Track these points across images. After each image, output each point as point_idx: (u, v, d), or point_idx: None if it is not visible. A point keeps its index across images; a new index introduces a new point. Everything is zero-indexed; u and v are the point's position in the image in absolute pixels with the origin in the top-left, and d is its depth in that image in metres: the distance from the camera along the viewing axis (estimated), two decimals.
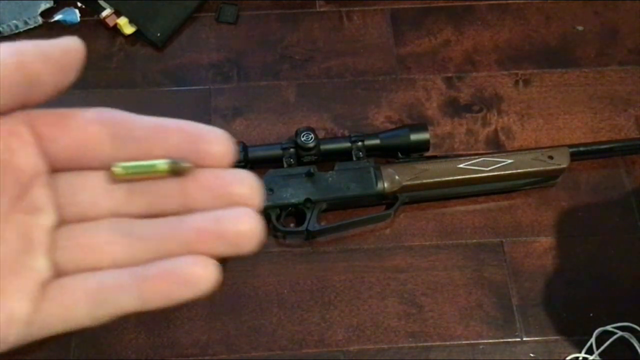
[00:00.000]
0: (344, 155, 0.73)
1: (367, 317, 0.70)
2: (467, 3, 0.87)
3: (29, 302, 0.23)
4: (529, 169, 0.73)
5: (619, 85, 0.82)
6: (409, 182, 0.71)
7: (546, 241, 0.74)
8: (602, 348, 0.68)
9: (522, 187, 0.75)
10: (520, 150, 0.75)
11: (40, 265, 0.23)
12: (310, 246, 0.73)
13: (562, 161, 0.73)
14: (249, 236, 0.23)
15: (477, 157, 0.73)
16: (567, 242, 0.74)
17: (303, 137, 0.72)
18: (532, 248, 0.73)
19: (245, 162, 0.71)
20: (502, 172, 0.72)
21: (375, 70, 0.82)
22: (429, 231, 0.74)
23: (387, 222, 0.74)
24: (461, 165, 0.72)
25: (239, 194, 0.24)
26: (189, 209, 0.24)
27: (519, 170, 0.72)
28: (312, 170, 0.71)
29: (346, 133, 0.77)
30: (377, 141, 0.73)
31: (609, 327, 0.69)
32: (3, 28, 0.80)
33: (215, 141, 0.24)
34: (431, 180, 0.72)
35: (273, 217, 0.71)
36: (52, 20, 0.82)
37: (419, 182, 0.72)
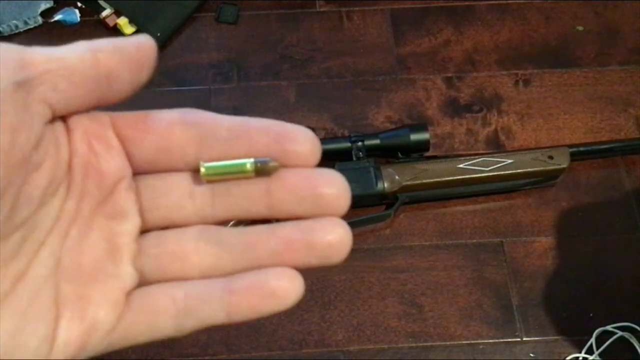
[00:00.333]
0: (344, 155, 0.73)
1: (367, 317, 0.70)
2: (467, 3, 0.87)
3: (112, 310, 0.23)
4: (529, 169, 0.73)
5: (619, 85, 0.82)
6: (409, 182, 0.71)
7: (546, 241, 0.74)
8: (602, 348, 0.68)
9: (522, 187, 0.75)
10: (520, 150, 0.75)
11: (125, 272, 0.23)
12: None
13: (562, 161, 0.73)
14: (339, 247, 0.23)
15: (477, 157, 0.73)
16: (567, 242, 0.74)
17: None
18: (532, 248, 0.73)
19: None
20: (502, 172, 0.72)
21: (375, 70, 0.82)
22: (429, 231, 0.74)
23: (387, 222, 0.74)
24: (461, 165, 0.72)
25: (328, 195, 0.23)
26: (275, 212, 0.23)
27: (519, 170, 0.72)
28: None
29: (346, 133, 0.77)
30: (377, 141, 0.73)
31: (609, 327, 0.69)
32: (3, 28, 0.80)
33: (301, 140, 0.23)
34: (431, 180, 0.72)
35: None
36: (52, 20, 0.82)
37: (419, 182, 0.72)
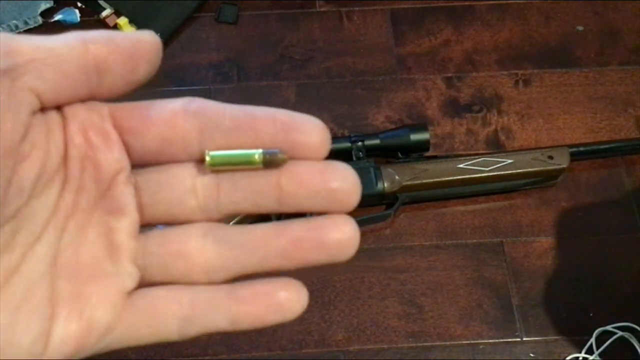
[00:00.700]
0: (344, 155, 0.73)
1: (367, 317, 0.70)
2: (467, 3, 0.87)
3: (110, 310, 0.22)
4: (529, 169, 0.73)
5: (619, 85, 0.82)
6: (409, 182, 0.71)
7: (546, 241, 0.74)
8: (602, 348, 0.68)
9: (522, 187, 0.75)
10: (520, 150, 0.75)
11: (125, 271, 0.23)
12: None
13: (562, 161, 0.73)
14: (348, 245, 0.22)
15: (477, 157, 0.73)
16: (567, 242, 0.74)
17: None
18: (532, 248, 0.73)
19: None
20: (502, 172, 0.72)
21: (375, 70, 0.82)
22: (429, 231, 0.74)
23: (387, 222, 0.74)
24: (461, 165, 0.72)
25: (340, 190, 0.22)
26: (284, 206, 0.22)
27: (519, 170, 0.72)
28: None
29: (346, 133, 0.77)
30: (377, 141, 0.73)
31: (609, 327, 0.69)
32: (3, 28, 0.80)
33: (310, 131, 0.22)
34: (431, 180, 0.72)
35: (273, 217, 0.71)
36: (52, 20, 0.82)
37: (419, 182, 0.72)
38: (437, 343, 0.69)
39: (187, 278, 0.23)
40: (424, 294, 0.71)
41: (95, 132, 0.22)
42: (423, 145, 0.73)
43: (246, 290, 0.23)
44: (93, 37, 0.21)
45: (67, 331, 0.22)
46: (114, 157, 0.22)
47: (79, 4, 0.83)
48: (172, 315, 0.23)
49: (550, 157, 0.73)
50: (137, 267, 0.23)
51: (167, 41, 0.82)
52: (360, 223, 0.73)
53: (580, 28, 0.86)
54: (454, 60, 0.83)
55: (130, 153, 0.22)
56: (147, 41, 0.21)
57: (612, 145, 0.76)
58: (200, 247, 0.23)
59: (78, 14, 0.82)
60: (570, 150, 0.74)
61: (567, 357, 0.68)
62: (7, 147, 0.19)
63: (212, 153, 0.22)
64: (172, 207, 0.23)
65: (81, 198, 0.22)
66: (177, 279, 0.23)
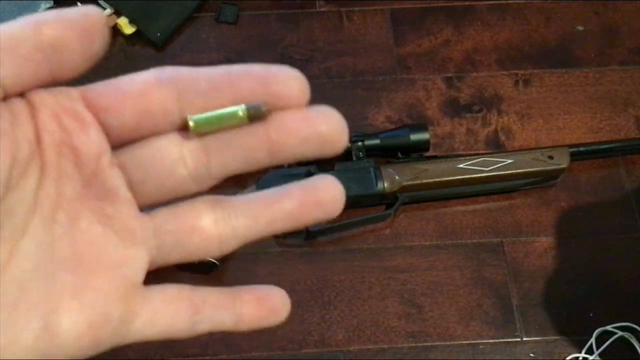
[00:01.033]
0: (344, 155, 0.73)
1: (367, 317, 0.70)
2: (467, 3, 0.87)
3: (120, 300, 0.22)
4: (529, 169, 0.73)
5: (619, 85, 0.82)
6: (409, 182, 0.71)
7: (546, 241, 0.74)
8: (602, 348, 0.68)
9: (522, 187, 0.75)
10: (520, 150, 0.75)
11: (132, 256, 0.22)
12: (310, 246, 0.73)
13: (562, 161, 0.73)
14: (340, 200, 0.23)
15: (477, 157, 0.73)
16: (567, 242, 0.74)
17: None
18: (532, 248, 0.73)
19: None
20: (502, 172, 0.72)
21: (375, 70, 0.82)
22: (429, 231, 0.74)
23: (387, 222, 0.74)
24: (461, 165, 0.72)
25: (328, 133, 0.22)
26: (276, 157, 0.22)
27: (519, 170, 0.72)
28: (312, 170, 0.71)
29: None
30: (377, 141, 0.73)
31: (609, 327, 0.69)
32: None
33: (287, 80, 0.22)
34: (431, 180, 0.72)
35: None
36: None
37: (419, 182, 0.72)
38: (437, 343, 0.69)
39: (202, 252, 0.23)
40: (424, 294, 0.71)
41: (68, 116, 0.21)
42: (423, 145, 0.73)
43: (248, 294, 0.24)
44: (45, 17, 0.20)
45: (77, 325, 0.21)
46: (91, 140, 0.21)
47: (79, 4, 0.83)
48: (185, 312, 0.23)
49: (550, 157, 0.73)
50: (148, 249, 0.23)
51: (167, 41, 0.82)
52: (360, 223, 0.73)
53: (580, 28, 0.86)
54: (454, 60, 0.83)
55: (109, 133, 0.22)
56: (95, 13, 0.21)
57: (612, 145, 0.76)
58: (212, 220, 0.23)
59: None
60: (570, 150, 0.74)
61: (567, 357, 0.68)
62: None
63: (195, 117, 0.21)
64: (163, 180, 0.23)
65: (65, 187, 0.21)
66: (193, 254, 0.23)
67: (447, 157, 0.75)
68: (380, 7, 0.86)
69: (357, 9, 0.86)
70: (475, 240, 0.74)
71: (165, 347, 0.67)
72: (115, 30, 0.82)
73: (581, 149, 0.75)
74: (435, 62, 0.83)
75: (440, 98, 0.81)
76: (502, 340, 0.69)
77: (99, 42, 0.21)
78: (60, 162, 0.21)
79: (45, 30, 0.20)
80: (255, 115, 0.21)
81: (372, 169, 0.72)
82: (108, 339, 0.22)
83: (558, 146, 0.74)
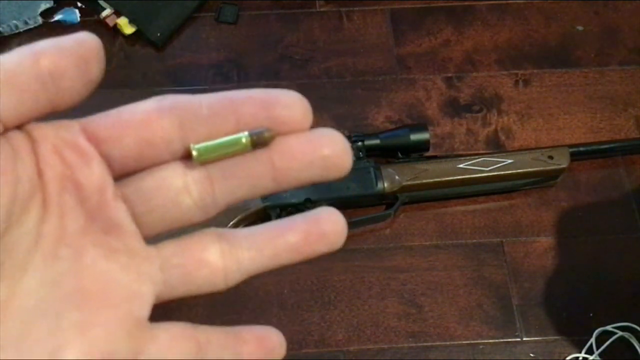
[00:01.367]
0: None
1: (367, 317, 0.70)
2: (467, 3, 0.87)
3: (125, 337, 0.21)
4: (529, 169, 0.73)
5: (619, 85, 0.82)
6: (409, 182, 0.71)
7: (546, 241, 0.74)
8: (602, 348, 0.68)
9: (522, 187, 0.75)
10: (520, 150, 0.75)
11: (138, 291, 0.22)
12: None
13: (562, 161, 0.73)
14: (343, 232, 0.23)
15: (477, 157, 0.73)
16: (567, 242, 0.74)
17: None
18: (532, 248, 0.73)
19: None
20: (502, 172, 0.72)
21: (375, 70, 0.82)
22: (429, 231, 0.74)
23: (387, 222, 0.74)
24: (461, 165, 0.72)
25: (333, 156, 0.22)
26: (281, 183, 0.22)
27: (519, 170, 0.72)
28: None
29: (346, 133, 0.77)
30: (377, 141, 0.73)
31: (609, 327, 0.69)
32: (3, 28, 0.80)
33: (289, 103, 0.21)
34: (431, 180, 0.72)
35: (273, 217, 0.71)
36: (52, 20, 0.82)
37: (419, 182, 0.72)
38: (437, 343, 0.69)
39: (209, 285, 0.23)
40: (424, 294, 0.71)
41: (69, 150, 0.21)
42: (423, 145, 0.73)
43: (249, 333, 0.24)
44: (41, 47, 0.20)
45: None
46: (94, 173, 0.21)
47: (79, 4, 0.83)
48: (190, 351, 0.23)
49: (550, 157, 0.73)
50: (155, 283, 0.22)
51: (167, 41, 0.82)
52: (360, 223, 0.73)
53: (580, 28, 0.86)
54: (454, 60, 0.83)
55: (111, 164, 0.22)
56: (90, 39, 0.21)
57: (612, 145, 0.76)
58: (219, 253, 0.23)
59: (78, 14, 0.82)
60: (570, 150, 0.74)
61: (567, 357, 0.68)
62: None
63: (198, 146, 0.21)
64: (167, 211, 0.22)
65: (68, 221, 0.21)
66: (199, 288, 0.23)
67: (447, 157, 0.75)
68: (380, 7, 0.86)
69: (357, 9, 0.86)
70: (475, 240, 0.74)
71: None
72: (116, 30, 0.82)
73: (581, 149, 0.75)
74: (435, 62, 0.83)
75: (440, 98, 0.81)
76: (502, 340, 0.69)
77: (96, 69, 0.21)
78: (63, 196, 0.21)
79: (42, 60, 0.20)
80: (259, 142, 0.21)
81: (372, 169, 0.72)
82: None
83: (558, 146, 0.74)
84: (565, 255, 0.73)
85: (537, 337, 0.69)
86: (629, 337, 0.68)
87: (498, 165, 0.72)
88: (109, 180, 0.21)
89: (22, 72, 0.20)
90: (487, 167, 0.72)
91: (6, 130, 0.20)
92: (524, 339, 0.69)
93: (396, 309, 0.70)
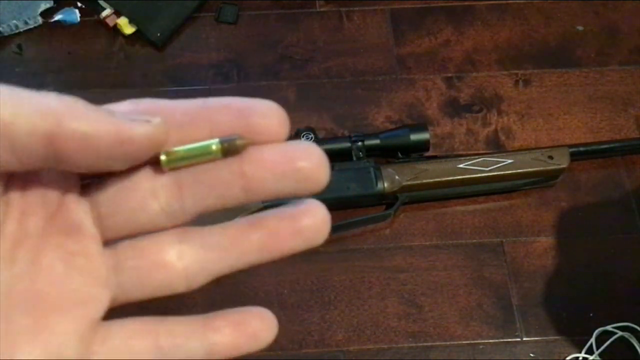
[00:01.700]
0: (344, 155, 0.73)
1: (367, 317, 0.70)
2: (467, 3, 0.87)
3: (77, 341, 0.21)
4: (529, 169, 0.73)
5: (619, 85, 0.82)
6: (409, 182, 0.71)
7: (546, 241, 0.74)
8: (602, 348, 0.68)
9: (522, 187, 0.75)
10: (520, 150, 0.75)
11: (93, 295, 0.21)
12: None
13: (562, 161, 0.73)
14: (322, 228, 0.22)
15: (477, 157, 0.73)
16: (567, 242, 0.74)
17: (303, 137, 0.72)
18: (532, 248, 0.73)
19: None
20: (502, 172, 0.72)
21: (375, 70, 0.82)
22: (429, 231, 0.74)
23: (387, 222, 0.74)
24: (461, 165, 0.72)
25: (307, 169, 0.21)
26: (252, 194, 0.21)
27: (519, 170, 0.72)
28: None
29: (346, 133, 0.77)
30: (377, 141, 0.73)
31: (609, 327, 0.69)
32: (3, 28, 0.80)
33: (266, 113, 0.21)
34: (431, 180, 0.72)
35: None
36: (52, 20, 0.82)
37: (419, 182, 0.72)
38: (437, 343, 0.69)
39: (167, 288, 0.22)
40: (424, 294, 0.71)
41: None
42: (423, 145, 0.73)
43: (221, 320, 0.23)
44: (63, 122, 0.19)
45: None
46: (59, 175, 0.21)
47: (79, 4, 0.83)
48: (147, 346, 0.22)
49: (550, 157, 0.73)
50: (110, 287, 0.22)
51: (167, 41, 0.82)
52: (360, 223, 0.73)
53: (580, 28, 0.86)
54: (454, 60, 0.83)
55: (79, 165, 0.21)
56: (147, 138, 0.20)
57: (612, 145, 0.76)
58: (177, 254, 0.22)
59: (78, 14, 0.82)
60: (570, 150, 0.74)
61: (567, 357, 0.68)
62: None
63: (166, 151, 0.21)
64: (133, 214, 0.21)
65: (28, 223, 0.21)
66: (157, 291, 0.22)
67: (447, 157, 0.75)
68: (380, 7, 0.86)
69: (357, 9, 0.86)
70: (475, 240, 0.74)
71: None
72: (115, 30, 0.82)
73: (581, 149, 0.75)
74: (435, 62, 0.83)
75: (440, 98, 0.81)
76: (502, 340, 0.69)
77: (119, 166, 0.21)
78: (25, 199, 0.21)
79: (57, 143, 0.19)
80: (230, 149, 0.21)
81: (372, 169, 0.72)
82: None
83: (558, 146, 0.74)
84: (565, 255, 0.73)
85: (537, 337, 0.69)
86: (629, 337, 0.68)
87: (498, 165, 0.72)
88: (73, 180, 0.21)
89: (28, 141, 0.19)
90: (487, 167, 0.72)
91: None
92: (524, 339, 0.69)
93: (396, 309, 0.70)
